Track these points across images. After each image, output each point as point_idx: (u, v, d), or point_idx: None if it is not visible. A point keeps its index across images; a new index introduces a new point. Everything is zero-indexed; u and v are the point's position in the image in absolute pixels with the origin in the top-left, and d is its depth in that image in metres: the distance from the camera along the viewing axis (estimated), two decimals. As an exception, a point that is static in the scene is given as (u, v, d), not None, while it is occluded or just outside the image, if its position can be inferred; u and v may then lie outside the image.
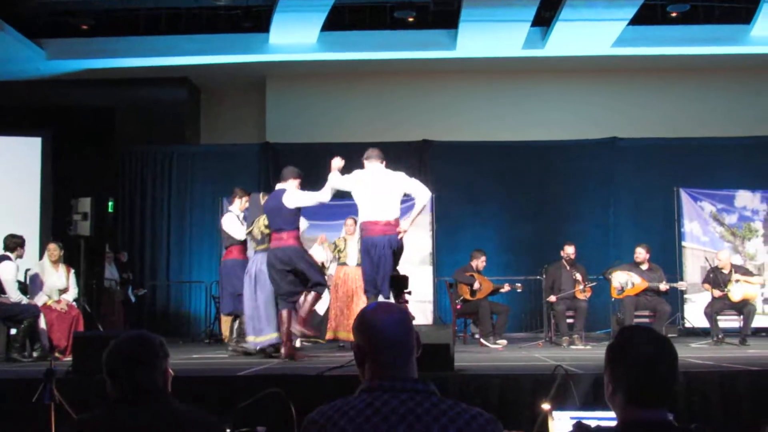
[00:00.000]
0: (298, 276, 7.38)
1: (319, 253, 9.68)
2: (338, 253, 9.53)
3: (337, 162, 7.29)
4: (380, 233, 6.91)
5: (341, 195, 7.69)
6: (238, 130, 14.18)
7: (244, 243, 8.60)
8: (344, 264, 9.47)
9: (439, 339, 5.41)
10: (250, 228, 8.11)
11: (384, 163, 7.18)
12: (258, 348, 7.75)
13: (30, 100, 12.81)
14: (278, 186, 7.68)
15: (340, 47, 12.00)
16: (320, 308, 9.30)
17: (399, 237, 6.97)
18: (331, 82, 13.83)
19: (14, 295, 8.27)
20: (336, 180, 7.25)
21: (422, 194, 7.11)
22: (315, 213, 9.33)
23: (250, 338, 7.79)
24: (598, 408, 3.17)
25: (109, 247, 11.71)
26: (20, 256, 8.68)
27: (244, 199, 8.62)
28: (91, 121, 12.83)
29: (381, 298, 6.80)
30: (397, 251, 6.97)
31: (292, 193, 7.45)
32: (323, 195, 7.40)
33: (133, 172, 13.39)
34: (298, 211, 7.51)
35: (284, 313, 7.40)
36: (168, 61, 12.30)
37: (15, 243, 8.58)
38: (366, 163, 7.17)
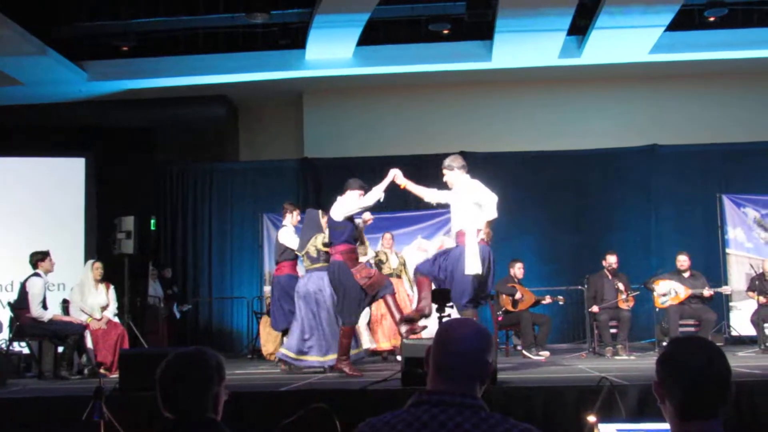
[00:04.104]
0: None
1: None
2: (381, 265, 9.43)
3: (395, 172, 6.99)
4: (482, 243, 6.63)
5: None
6: (276, 146, 14.26)
7: (295, 258, 8.40)
8: (388, 276, 9.19)
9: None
10: (305, 246, 7.77)
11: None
12: (327, 366, 7.57)
13: (73, 121, 13.02)
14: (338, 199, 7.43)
15: (375, 61, 12.03)
16: (361, 321, 9.19)
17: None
18: (368, 96, 13.88)
19: (36, 310, 8.39)
20: (438, 196, 6.92)
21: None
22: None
23: (315, 358, 7.59)
24: (645, 420, 3.15)
25: (153, 265, 11.85)
26: (49, 270, 8.80)
27: (296, 213, 8.53)
28: (132, 141, 13.06)
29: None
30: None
31: (336, 204, 7.23)
32: (367, 200, 7.07)
33: (174, 190, 13.55)
34: (347, 223, 7.22)
35: (345, 328, 7.24)
36: (206, 80, 12.41)
37: (37, 258, 8.72)
38: (458, 171, 6.80)
